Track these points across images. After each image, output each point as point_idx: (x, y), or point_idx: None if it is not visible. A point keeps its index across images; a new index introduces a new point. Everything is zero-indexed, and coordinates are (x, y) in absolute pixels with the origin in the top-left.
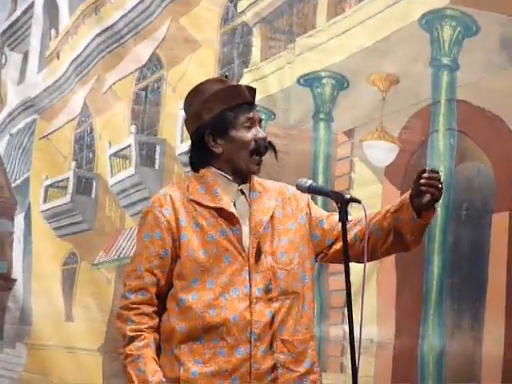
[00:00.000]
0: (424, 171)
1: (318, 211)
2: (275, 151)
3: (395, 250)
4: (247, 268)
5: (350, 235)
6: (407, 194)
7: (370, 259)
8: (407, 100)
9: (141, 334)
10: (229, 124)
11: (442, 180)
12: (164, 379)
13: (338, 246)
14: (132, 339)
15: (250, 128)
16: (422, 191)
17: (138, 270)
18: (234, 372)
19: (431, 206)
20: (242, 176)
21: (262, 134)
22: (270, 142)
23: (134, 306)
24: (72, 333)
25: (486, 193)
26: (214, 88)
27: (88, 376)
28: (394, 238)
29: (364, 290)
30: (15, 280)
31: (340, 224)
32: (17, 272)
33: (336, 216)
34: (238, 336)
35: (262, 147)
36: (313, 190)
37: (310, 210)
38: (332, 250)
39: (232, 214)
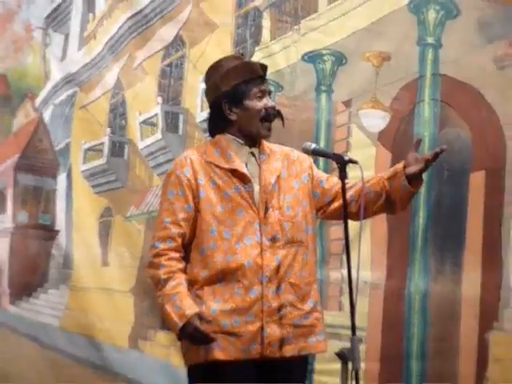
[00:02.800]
0: (442, 150)
1: (319, 173)
2: (282, 119)
3: (383, 212)
4: (258, 220)
5: (347, 196)
6: (400, 164)
7: (362, 217)
8: (397, 74)
9: (173, 275)
10: (243, 95)
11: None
12: (198, 310)
13: (336, 204)
14: (166, 281)
15: (261, 98)
16: (414, 162)
17: (165, 223)
18: (249, 309)
19: (420, 176)
20: (252, 140)
21: (271, 103)
22: (278, 111)
23: (163, 252)
24: (107, 276)
25: (464, 155)
26: (231, 64)
27: (121, 314)
28: (384, 202)
29: (360, 239)
30: (58, 231)
31: (338, 184)
32: (60, 224)
33: (335, 177)
34: (251, 278)
35: (272, 115)
36: (316, 152)
37: (312, 172)
38: (330, 208)
39: (244, 174)
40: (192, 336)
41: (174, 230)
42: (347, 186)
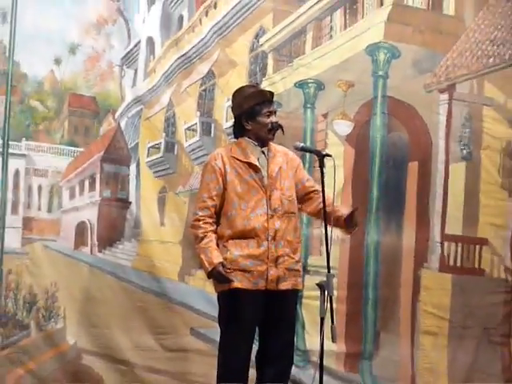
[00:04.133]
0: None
1: (303, 172)
2: (282, 129)
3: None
4: (265, 198)
5: (313, 207)
6: (343, 214)
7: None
8: (358, 96)
9: (207, 234)
10: (256, 113)
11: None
12: (222, 260)
13: (308, 207)
14: (202, 238)
15: (268, 116)
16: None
17: (203, 197)
18: (259, 257)
19: (352, 226)
20: (263, 142)
21: (275, 120)
22: (280, 125)
23: (201, 218)
24: (163, 233)
25: (403, 150)
26: (250, 90)
27: (173, 258)
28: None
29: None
30: (131, 202)
31: (313, 187)
32: (132, 197)
33: (312, 181)
34: (261, 236)
35: (275, 127)
36: (304, 149)
37: (299, 169)
38: (302, 209)
39: (257, 166)
40: (216, 277)
41: (209, 203)
42: (315, 197)
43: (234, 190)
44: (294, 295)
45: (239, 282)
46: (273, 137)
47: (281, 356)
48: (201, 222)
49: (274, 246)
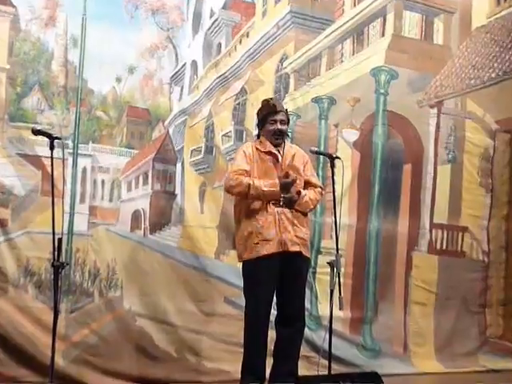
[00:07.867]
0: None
1: (310, 168)
2: (287, 134)
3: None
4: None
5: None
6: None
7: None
8: (364, 110)
9: (253, 178)
10: (265, 121)
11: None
12: (276, 179)
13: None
14: (253, 182)
15: (272, 124)
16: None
17: (236, 167)
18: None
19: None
20: (273, 143)
21: (278, 127)
22: (281, 130)
23: (235, 173)
24: (203, 218)
25: (400, 154)
26: (263, 104)
27: (211, 240)
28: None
29: (341, 203)
30: (177, 194)
31: (309, 181)
32: (177, 190)
33: (314, 178)
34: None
35: (277, 133)
36: (318, 152)
37: (307, 165)
38: None
39: (275, 154)
40: (285, 187)
41: (241, 168)
42: (309, 187)
43: (257, 169)
44: (303, 262)
45: (265, 250)
46: (276, 141)
47: (296, 318)
48: (238, 176)
49: (285, 217)
